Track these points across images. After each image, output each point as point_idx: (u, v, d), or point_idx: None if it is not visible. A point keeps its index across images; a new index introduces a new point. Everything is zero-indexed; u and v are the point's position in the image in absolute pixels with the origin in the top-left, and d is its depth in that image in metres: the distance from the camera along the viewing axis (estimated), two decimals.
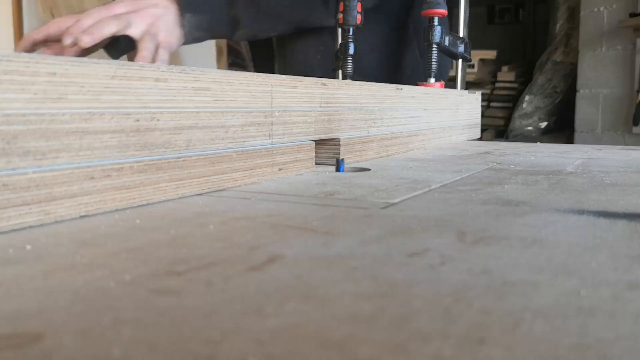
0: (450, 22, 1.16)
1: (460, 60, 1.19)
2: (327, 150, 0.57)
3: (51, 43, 0.77)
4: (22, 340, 0.15)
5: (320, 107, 0.53)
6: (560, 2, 3.54)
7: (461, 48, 1.06)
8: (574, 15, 3.42)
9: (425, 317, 0.17)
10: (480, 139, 1.09)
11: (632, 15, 2.83)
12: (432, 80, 0.99)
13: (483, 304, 0.19)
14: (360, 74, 0.90)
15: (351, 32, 0.99)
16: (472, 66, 3.95)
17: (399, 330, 0.17)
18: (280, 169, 0.47)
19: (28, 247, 0.25)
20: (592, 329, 0.17)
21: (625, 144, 2.81)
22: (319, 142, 0.55)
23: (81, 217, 0.31)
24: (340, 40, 1.02)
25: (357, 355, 0.15)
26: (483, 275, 0.22)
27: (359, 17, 0.97)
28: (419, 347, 0.15)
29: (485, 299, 0.19)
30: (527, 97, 3.54)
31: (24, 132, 0.28)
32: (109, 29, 0.73)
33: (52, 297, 0.19)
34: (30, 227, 0.28)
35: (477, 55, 3.93)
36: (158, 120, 0.35)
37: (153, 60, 0.77)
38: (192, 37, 0.85)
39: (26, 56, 0.28)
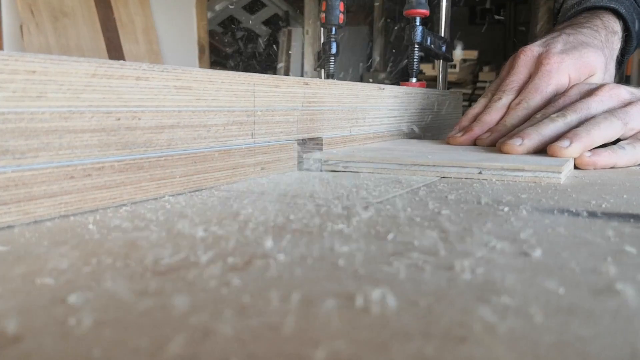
0: (432, 23, 1.17)
1: (441, 60, 1.20)
2: (310, 150, 0.57)
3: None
4: (1, 342, 0.15)
5: (302, 106, 0.53)
6: (540, 3, 3.57)
7: (443, 48, 1.06)
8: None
9: (407, 317, 0.18)
10: None
11: None
12: (414, 80, 0.99)
13: (464, 303, 0.19)
14: None
15: (334, 32, 0.99)
16: (454, 66, 3.98)
17: (381, 329, 0.17)
18: (262, 169, 0.47)
19: (6, 247, 0.25)
20: (572, 327, 0.17)
21: None
22: (301, 142, 0.55)
23: (61, 216, 0.31)
24: (322, 40, 1.02)
25: (340, 354, 0.15)
26: (464, 274, 0.22)
27: (341, 16, 0.97)
28: (401, 346, 0.15)
29: (467, 297, 0.19)
30: None
31: (2, 130, 0.27)
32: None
33: (31, 298, 0.19)
34: (9, 226, 0.28)
35: (458, 56, 3.95)
36: (139, 119, 0.35)
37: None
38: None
39: (4, 54, 0.28)
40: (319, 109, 0.57)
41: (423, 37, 0.97)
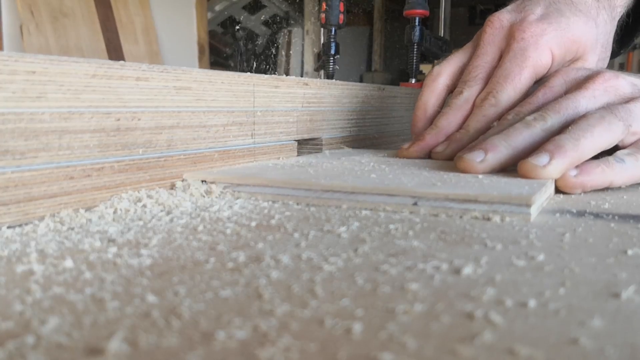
0: (432, 23, 1.17)
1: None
2: (310, 150, 0.57)
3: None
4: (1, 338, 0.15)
5: (302, 106, 0.53)
6: None
7: (443, 48, 1.06)
8: None
9: (406, 317, 0.18)
10: None
11: None
12: (413, 80, 0.99)
13: (464, 303, 0.19)
14: None
15: (333, 32, 1.00)
16: None
17: (380, 329, 0.17)
18: None
19: (5, 251, 0.25)
20: (571, 327, 0.17)
21: None
22: (301, 142, 0.55)
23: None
24: (322, 40, 1.02)
25: (337, 354, 0.15)
26: (464, 274, 0.22)
27: (341, 16, 0.97)
28: (400, 346, 0.15)
29: (466, 298, 0.19)
30: None
31: (2, 131, 0.27)
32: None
33: (31, 296, 0.19)
34: (8, 227, 0.28)
35: None
36: (139, 119, 0.35)
37: None
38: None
39: (4, 54, 0.28)
40: (319, 109, 0.57)
41: (422, 37, 0.97)
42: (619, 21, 0.59)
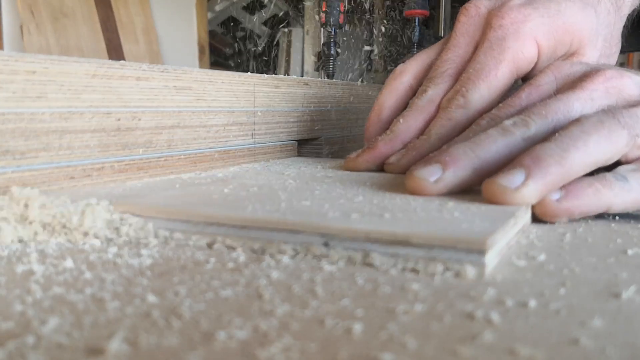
0: (432, 23, 1.17)
1: None
2: (310, 150, 0.57)
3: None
4: (2, 338, 0.15)
5: (302, 106, 0.53)
6: None
7: None
8: None
9: (407, 317, 0.18)
10: None
11: None
12: None
13: (464, 304, 0.19)
14: None
15: (333, 32, 1.00)
16: None
17: (380, 329, 0.17)
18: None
19: (5, 251, 0.25)
20: (572, 328, 0.17)
21: None
22: (301, 142, 0.55)
23: None
24: (322, 40, 1.02)
25: (337, 354, 0.15)
26: (464, 275, 0.22)
27: (341, 17, 0.97)
28: (400, 346, 0.15)
29: (467, 298, 0.19)
30: None
31: (2, 131, 0.27)
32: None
33: (31, 296, 0.19)
34: None
35: None
36: (139, 119, 0.35)
37: None
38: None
39: (4, 54, 0.28)
40: (319, 109, 0.57)
41: (422, 37, 0.97)
42: (629, 15, 0.50)
